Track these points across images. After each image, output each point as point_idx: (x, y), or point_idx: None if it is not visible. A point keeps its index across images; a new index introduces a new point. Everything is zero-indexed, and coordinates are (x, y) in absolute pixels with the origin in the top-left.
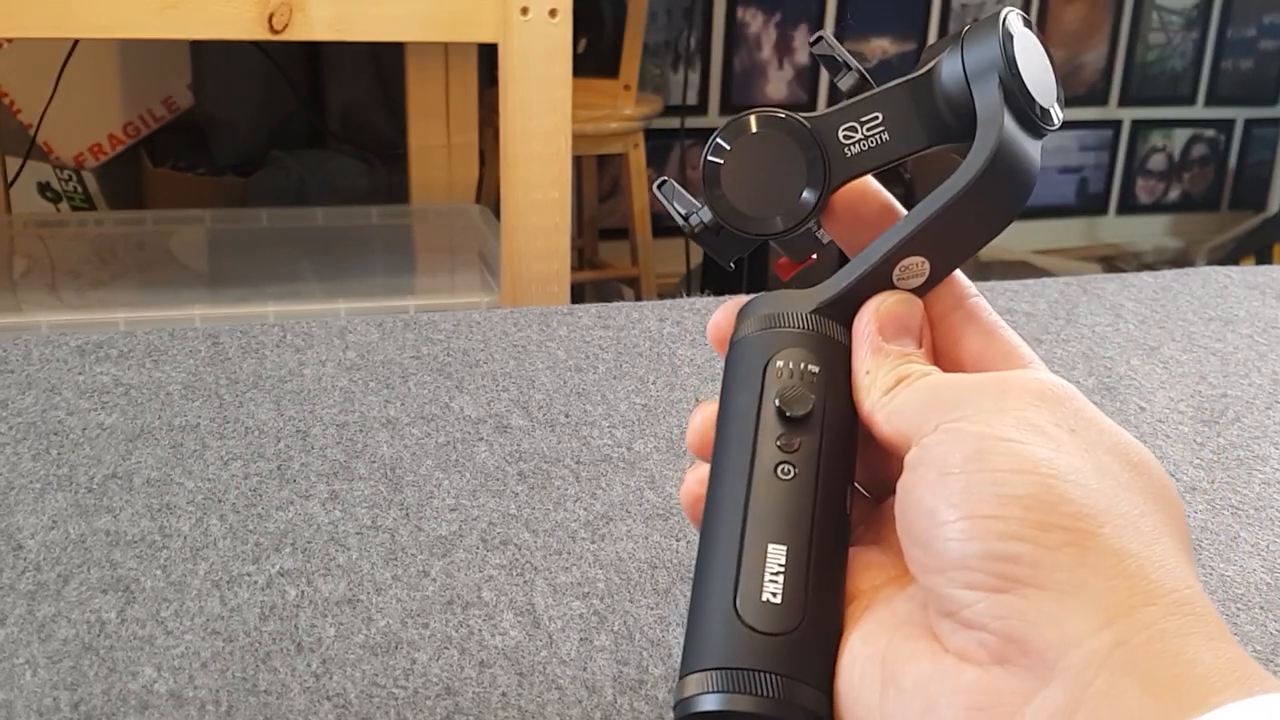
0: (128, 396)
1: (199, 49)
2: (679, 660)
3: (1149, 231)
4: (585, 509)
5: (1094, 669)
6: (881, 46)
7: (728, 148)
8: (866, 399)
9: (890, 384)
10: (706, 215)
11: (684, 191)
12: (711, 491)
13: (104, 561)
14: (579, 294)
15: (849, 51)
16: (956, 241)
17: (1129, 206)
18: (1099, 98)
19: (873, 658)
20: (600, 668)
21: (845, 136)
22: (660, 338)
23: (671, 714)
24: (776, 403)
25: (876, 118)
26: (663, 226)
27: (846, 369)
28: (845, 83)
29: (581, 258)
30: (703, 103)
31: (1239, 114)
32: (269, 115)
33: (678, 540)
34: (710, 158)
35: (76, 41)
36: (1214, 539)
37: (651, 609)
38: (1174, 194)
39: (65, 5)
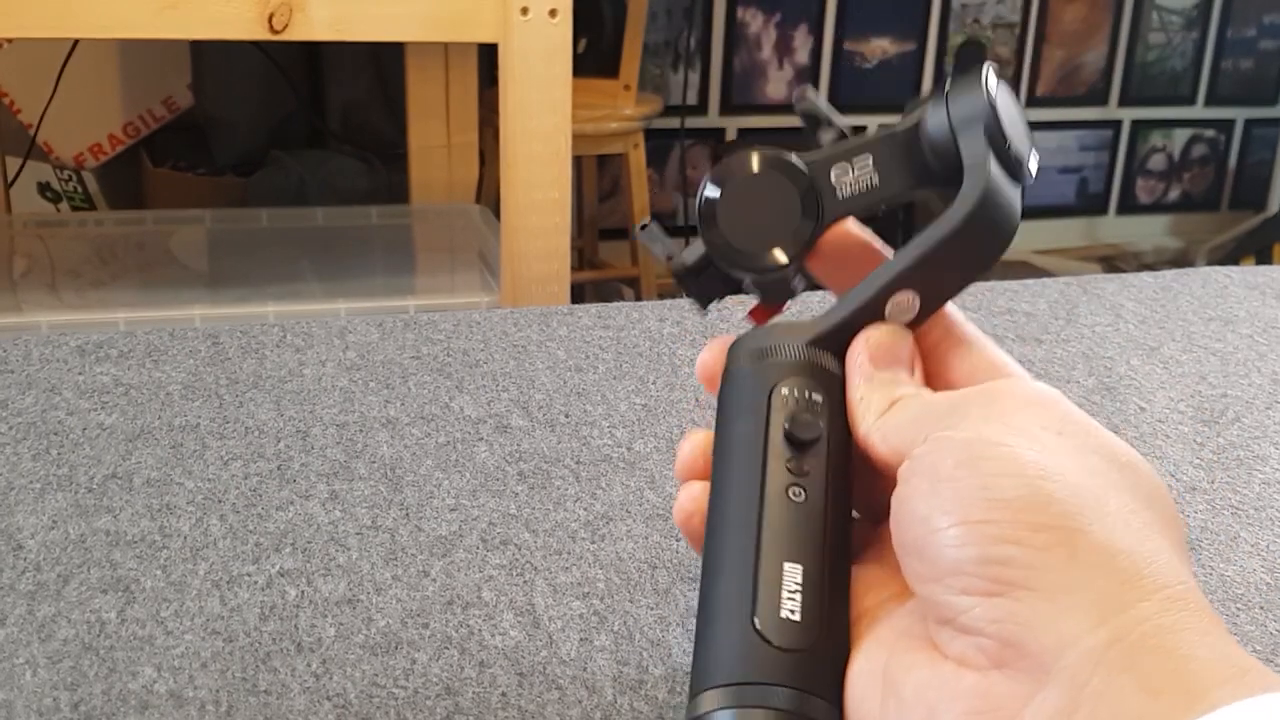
0: (128, 396)
1: (199, 49)
2: (681, 664)
3: (1149, 231)
4: (585, 509)
5: (1090, 668)
6: (881, 47)
7: (723, 186)
8: (862, 422)
9: (884, 406)
10: (689, 257)
11: (664, 235)
12: (717, 514)
13: (104, 561)
14: (579, 294)
15: (849, 51)
16: (945, 278)
17: (1129, 206)
18: (1099, 98)
19: (874, 672)
20: (600, 668)
21: (837, 178)
22: (660, 338)
23: (670, 714)
24: (786, 427)
25: (867, 160)
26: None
27: (843, 398)
28: (826, 138)
29: (581, 258)
30: (703, 103)
31: (1239, 114)
32: (269, 115)
33: (678, 540)
34: (706, 195)
35: (76, 41)
36: (1214, 539)
37: (651, 609)
38: (1174, 194)
39: (65, 5)
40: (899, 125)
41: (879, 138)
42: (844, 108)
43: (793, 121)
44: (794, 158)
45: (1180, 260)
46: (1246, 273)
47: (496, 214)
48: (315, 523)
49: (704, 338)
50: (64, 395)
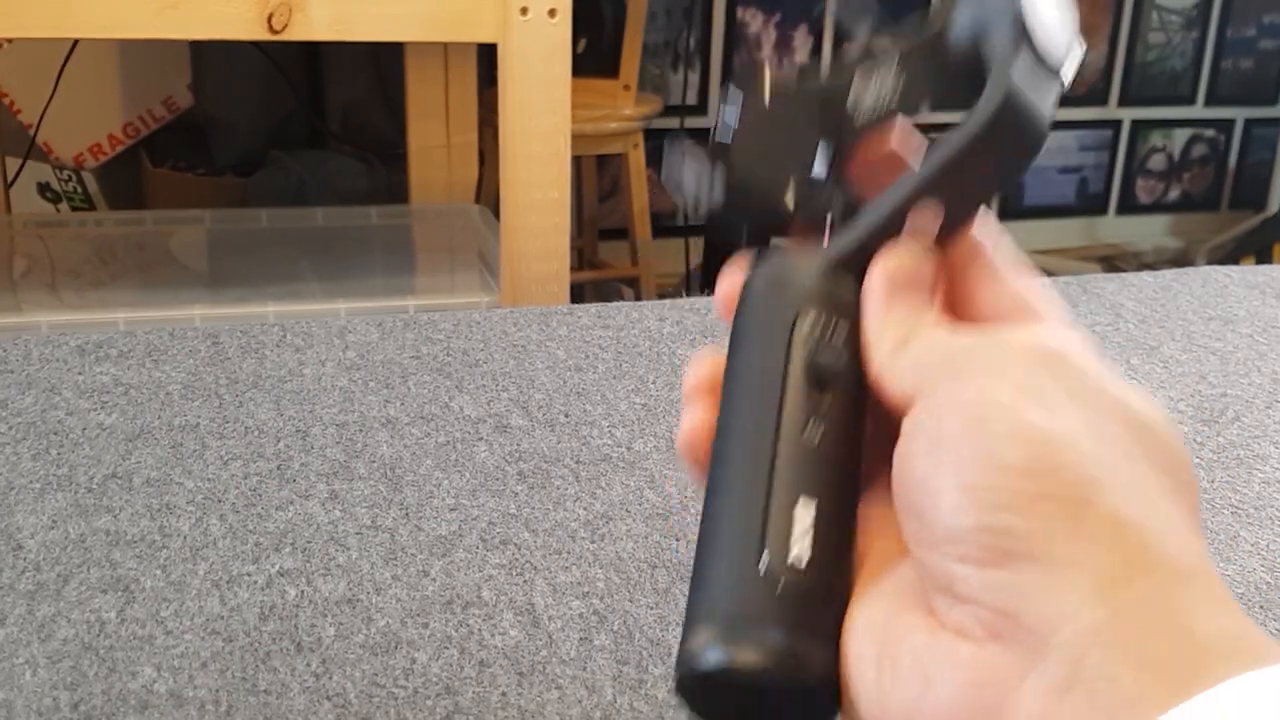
0: (128, 396)
1: (199, 49)
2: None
3: (1149, 231)
4: (585, 509)
5: (1088, 644)
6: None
7: (735, 125)
8: (875, 358)
9: (897, 342)
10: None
11: (694, 165)
12: (727, 446)
13: (104, 561)
14: (579, 294)
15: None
16: (968, 190)
17: (1129, 206)
18: (1099, 98)
19: (872, 628)
20: (600, 667)
21: (855, 97)
22: (660, 338)
23: (670, 714)
24: (808, 363)
25: (891, 66)
26: (662, 226)
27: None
28: (851, 55)
29: (581, 258)
30: (702, 103)
31: (1239, 114)
32: (269, 115)
33: (678, 540)
34: (718, 138)
35: (76, 41)
36: (1214, 539)
37: (651, 609)
38: (1174, 194)
39: (65, 5)
40: (924, 31)
41: (902, 45)
42: None
43: None
44: (809, 87)
45: (1180, 260)
46: (1246, 273)
47: (496, 214)
48: (315, 523)
49: (704, 338)
50: (64, 395)
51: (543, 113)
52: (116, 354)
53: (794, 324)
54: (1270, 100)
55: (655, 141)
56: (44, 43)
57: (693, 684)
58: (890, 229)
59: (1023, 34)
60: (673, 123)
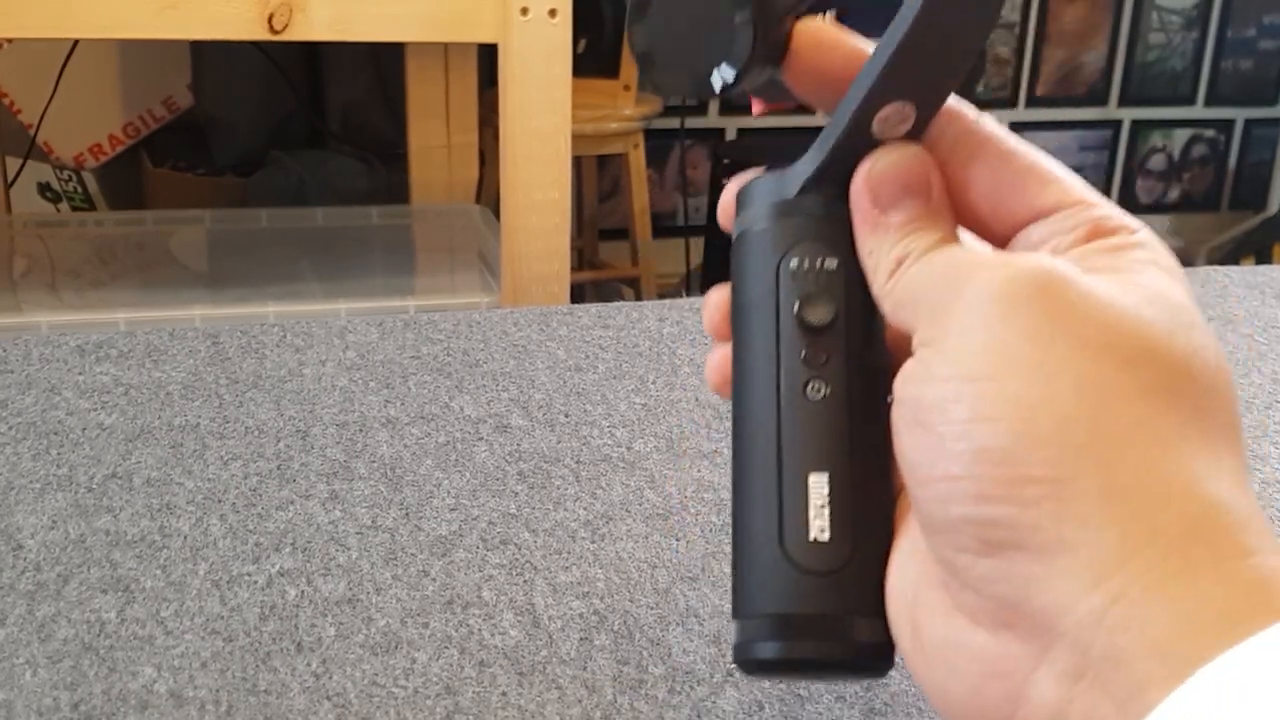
0: (128, 396)
1: (199, 49)
2: (681, 664)
3: None
4: (585, 509)
5: (1091, 631)
6: None
7: (647, 13)
8: (874, 284)
9: (892, 266)
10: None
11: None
12: (738, 417)
13: (104, 561)
14: (579, 294)
15: None
16: (935, 66)
17: (1129, 206)
18: (1099, 98)
19: (903, 598)
20: (600, 668)
21: None
22: (660, 338)
23: (670, 714)
24: (796, 310)
25: None
26: (662, 226)
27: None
28: None
29: (581, 258)
30: (702, 103)
31: (1239, 114)
32: (269, 115)
33: (678, 540)
34: (633, 30)
35: (76, 41)
36: None
37: (651, 609)
38: (1174, 194)
39: (65, 5)
40: None
41: None
42: None
43: (794, 122)
44: None
45: (1180, 260)
46: (1246, 273)
47: (496, 214)
48: (315, 522)
49: (704, 338)
50: (64, 395)
51: (543, 113)
52: (116, 354)
53: (779, 266)
54: (1270, 100)
55: (655, 142)
56: (44, 43)
57: (750, 669)
58: (859, 135)
59: None
60: (673, 123)
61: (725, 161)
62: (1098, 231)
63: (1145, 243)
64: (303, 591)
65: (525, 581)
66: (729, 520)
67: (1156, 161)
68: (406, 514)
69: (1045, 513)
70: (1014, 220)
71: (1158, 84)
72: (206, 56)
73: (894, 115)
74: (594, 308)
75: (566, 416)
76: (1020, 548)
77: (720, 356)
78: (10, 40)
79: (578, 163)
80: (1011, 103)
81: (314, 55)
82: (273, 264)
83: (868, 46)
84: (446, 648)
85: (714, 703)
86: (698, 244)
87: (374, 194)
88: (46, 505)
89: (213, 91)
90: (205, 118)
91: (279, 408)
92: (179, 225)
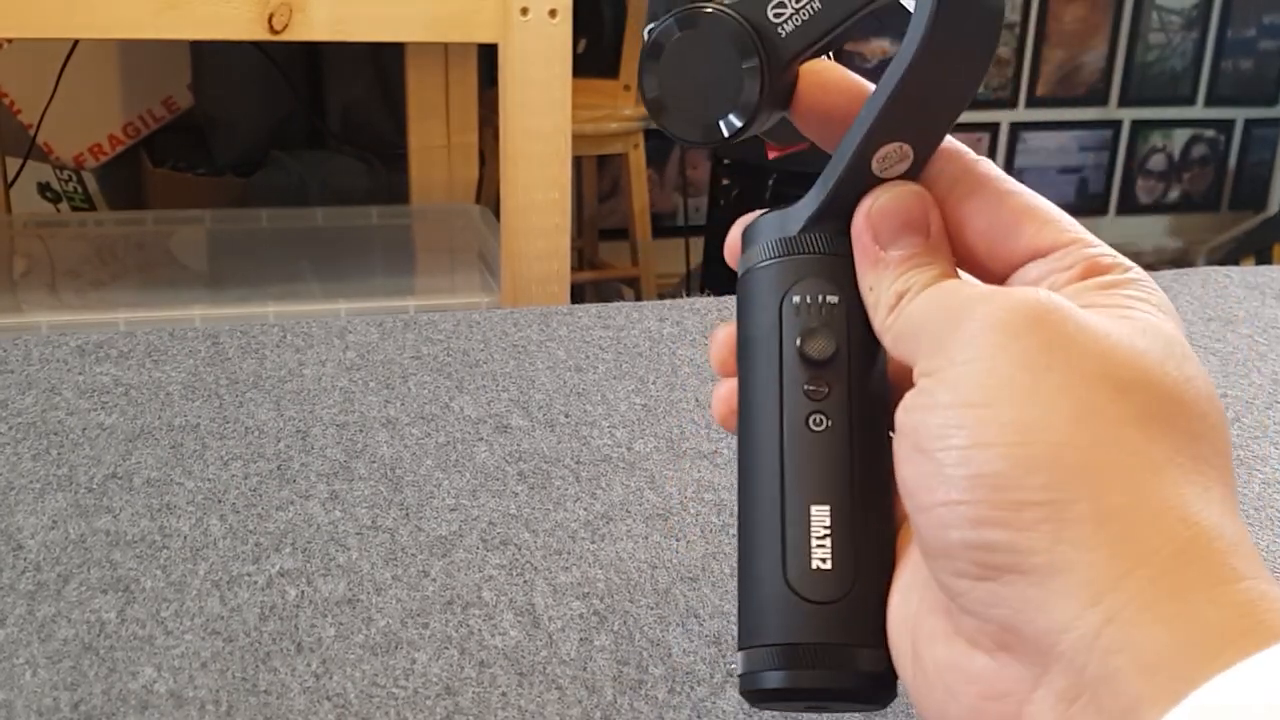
0: (128, 396)
1: (199, 49)
2: (681, 664)
3: (1149, 231)
4: (585, 509)
5: (1085, 653)
6: (882, 47)
7: (658, 63)
8: (875, 319)
9: (892, 301)
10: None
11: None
12: (743, 450)
13: (104, 561)
14: (579, 294)
15: (849, 52)
16: (932, 108)
17: (1129, 207)
18: (1099, 98)
19: (905, 625)
20: (600, 668)
21: (775, 15)
22: (660, 338)
23: (670, 714)
24: (798, 344)
25: None
26: (662, 226)
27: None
28: None
29: (581, 258)
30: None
31: (1239, 114)
32: (269, 115)
33: (678, 540)
34: (644, 78)
35: (76, 41)
36: None
37: (651, 609)
38: (1174, 194)
39: (65, 5)
40: None
41: None
42: None
43: None
44: (722, 7)
45: (1180, 260)
46: (1246, 273)
47: (496, 214)
48: (315, 523)
49: (704, 338)
50: (64, 395)
51: (543, 113)
52: (116, 354)
53: (782, 302)
54: (1270, 100)
55: (655, 142)
56: (44, 43)
57: (755, 699)
58: (859, 173)
59: None
60: None
61: (725, 162)
62: (1093, 270)
63: (1138, 280)
64: (303, 592)
65: (525, 582)
66: (729, 520)
67: (1156, 161)
68: (406, 514)
69: (1042, 535)
70: (1011, 259)
71: (1158, 84)
72: (206, 56)
73: (893, 154)
74: (594, 308)
75: (566, 416)
76: (1018, 571)
77: (726, 390)
78: (10, 40)
79: (578, 163)
80: (1011, 103)
81: (314, 55)
82: (273, 264)
83: (869, 86)
84: (446, 648)
85: (714, 703)
86: (698, 244)
87: (374, 194)
88: (46, 505)
89: (213, 91)
90: (205, 118)
91: (279, 408)
92: (179, 225)
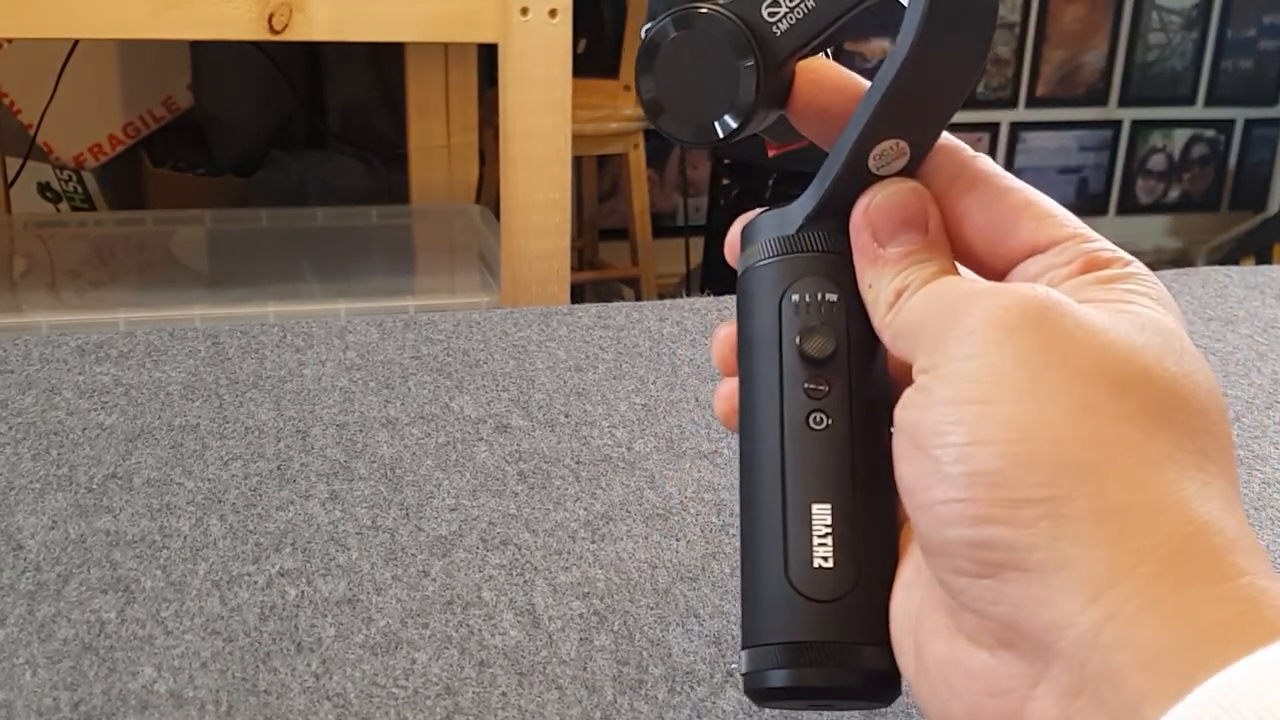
0: (128, 396)
1: (199, 49)
2: (681, 664)
3: (1149, 231)
4: (585, 509)
5: (1087, 649)
6: (882, 47)
7: (654, 64)
8: (874, 317)
9: (891, 299)
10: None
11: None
12: (744, 450)
13: (104, 561)
14: (579, 294)
15: (849, 52)
16: (928, 104)
17: (1129, 207)
18: (1099, 98)
19: (906, 621)
20: (600, 668)
21: (770, 14)
22: (660, 338)
23: (670, 714)
24: (798, 342)
25: None
26: (662, 227)
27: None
28: None
29: (581, 258)
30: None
31: (1239, 114)
32: (269, 115)
33: (678, 540)
34: (641, 79)
35: (76, 41)
36: None
37: (651, 609)
38: (1174, 194)
39: (65, 5)
40: None
41: None
42: None
43: None
44: (715, 7)
45: (1180, 260)
46: (1246, 273)
47: (496, 214)
48: (315, 523)
49: (704, 338)
50: (64, 395)
51: (543, 113)
52: (116, 354)
53: (781, 301)
54: (1270, 100)
55: (655, 142)
56: (44, 43)
57: (759, 698)
58: (856, 171)
59: None
60: None
61: (725, 161)
62: (1092, 264)
63: (1137, 274)
64: (303, 591)
65: (525, 581)
66: (729, 520)
67: (1156, 161)
68: (406, 514)
69: (1041, 532)
70: (1010, 255)
71: (1158, 84)
72: (206, 56)
73: (889, 151)
74: (594, 308)
75: (566, 416)
76: (1017, 568)
77: (728, 389)
78: (10, 40)
79: (578, 163)
80: (1011, 103)
81: (314, 55)
82: (273, 264)
83: (864, 84)
84: (446, 648)
85: (714, 703)
86: (698, 244)
87: (374, 194)
88: (46, 505)
89: (213, 91)
90: (205, 118)
91: (279, 408)
92: (179, 225)
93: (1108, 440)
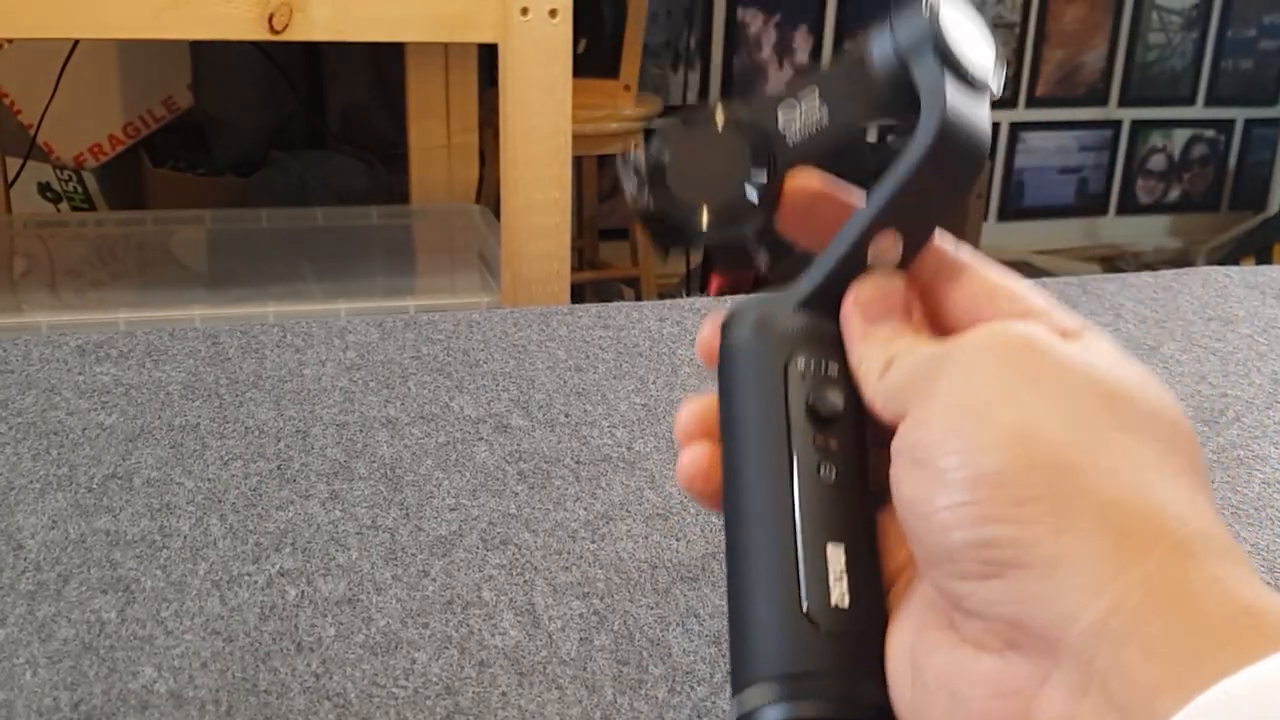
0: (128, 396)
1: (199, 49)
2: (681, 663)
3: (1149, 232)
4: (585, 509)
5: (1094, 642)
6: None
7: (670, 146)
8: (865, 387)
9: (882, 367)
10: (651, 204)
11: (640, 171)
12: (743, 499)
13: (104, 561)
14: (579, 294)
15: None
16: (923, 212)
17: (1129, 207)
18: (1099, 98)
19: (904, 648)
20: (600, 668)
21: (785, 121)
22: (660, 338)
23: (670, 714)
24: (809, 403)
25: (814, 92)
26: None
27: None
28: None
29: (581, 258)
30: (703, 103)
31: (1239, 114)
32: (269, 115)
33: (677, 540)
34: (653, 155)
35: (76, 41)
36: None
37: (651, 609)
38: (1174, 194)
39: (65, 5)
40: (843, 58)
41: (824, 74)
42: None
43: None
44: (740, 110)
45: (1180, 260)
46: (1246, 273)
47: (496, 214)
48: (315, 523)
49: None
50: (64, 395)
51: (543, 113)
52: (116, 354)
53: (786, 368)
54: (1270, 100)
55: None
56: (44, 43)
57: None
58: (854, 262)
59: (947, 59)
60: None
61: None
62: (1059, 332)
63: (1099, 336)
64: (303, 591)
65: (525, 581)
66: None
67: (1156, 162)
68: (406, 514)
69: (1044, 528)
70: None
71: (1158, 84)
72: (206, 56)
73: (887, 246)
74: (594, 308)
75: (566, 416)
76: (1022, 565)
77: (699, 456)
78: (10, 40)
79: (578, 163)
80: (1011, 103)
81: (314, 55)
82: (273, 264)
83: (848, 191)
84: (446, 648)
85: (714, 703)
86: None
87: (374, 194)
88: (46, 505)
89: (213, 91)
90: (205, 118)
91: (279, 408)
92: (179, 225)
93: (1103, 444)
